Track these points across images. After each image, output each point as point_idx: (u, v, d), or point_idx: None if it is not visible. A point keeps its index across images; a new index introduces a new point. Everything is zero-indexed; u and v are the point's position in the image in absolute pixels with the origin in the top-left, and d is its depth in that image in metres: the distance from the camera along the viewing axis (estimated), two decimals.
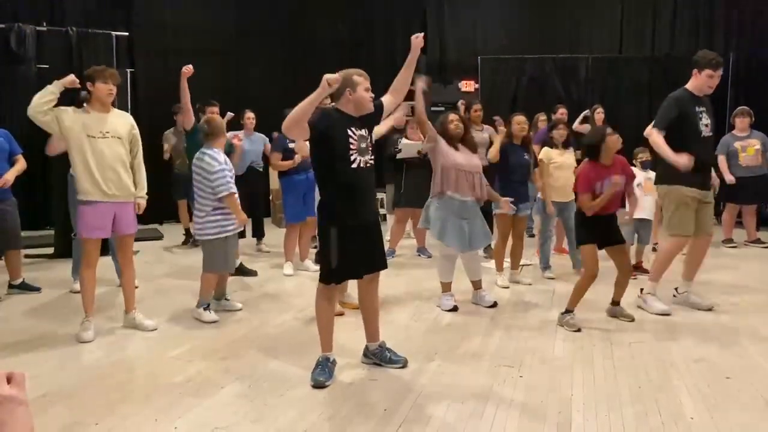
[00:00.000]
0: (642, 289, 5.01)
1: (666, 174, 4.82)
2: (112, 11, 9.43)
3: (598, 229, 4.46)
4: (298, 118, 3.32)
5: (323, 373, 3.53)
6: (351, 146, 3.48)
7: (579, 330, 4.37)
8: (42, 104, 4.06)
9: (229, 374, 3.62)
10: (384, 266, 3.75)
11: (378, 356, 3.79)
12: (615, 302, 4.71)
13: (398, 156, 6.76)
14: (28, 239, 7.44)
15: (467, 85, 11.42)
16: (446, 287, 5.05)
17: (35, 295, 5.43)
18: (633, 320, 4.61)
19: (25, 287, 5.50)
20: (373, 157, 3.63)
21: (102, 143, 4.20)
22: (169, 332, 4.44)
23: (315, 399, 3.28)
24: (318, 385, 3.44)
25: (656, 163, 5.06)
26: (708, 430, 2.92)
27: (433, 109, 11.04)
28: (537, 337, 4.28)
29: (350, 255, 3.50)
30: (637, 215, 5.84)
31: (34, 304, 5.17)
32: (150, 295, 5.40)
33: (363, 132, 3.58)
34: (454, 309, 4.92)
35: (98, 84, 4.19)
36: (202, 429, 2.93)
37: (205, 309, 4.71)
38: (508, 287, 5.63)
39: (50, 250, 6.94)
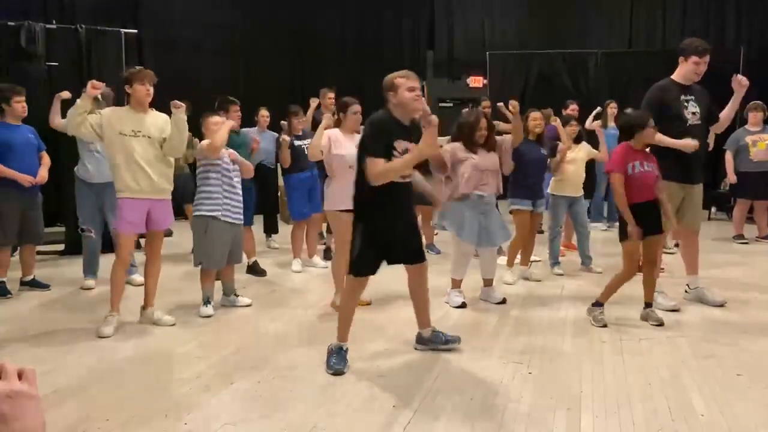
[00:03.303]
0: (687, 285, 4.98)
1: None
2: (120, 8, 9.47)
3: (640, 218, 4.32)
4: (389, 176, 3.44)
5: (341, 361, 3.60)
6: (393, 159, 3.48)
7: (605, 326, 4.32)
8: (76, 120, 4.21)
9: (238, 370, 3.63)
10: (420, 260, 3.81)
11: (433, 341, 3.92)
12: (647, 304, 4.52)
13: None
14: None
15: (475, 81, 11.39)
16: (457, 284, 5.04)
17: (46, 291, 5.47)
18: (662, 324, 4.40)
19: (35, 284, 5.54)
20: (411, 173, 3.65)
21: (133, 141, 4.29)
22: (179, 328, 4.46)
23: (324, 394, 3.28)
24: (337, 373, 3.52)
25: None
26: (718, 427, 2.90)
27: (441, 105, 11.04)
28: (546, 334, 4.27)
29: (373, 253, 3.59)
30: None
31: (44, 301, 5.21)
32: (159, 291, 5.41)
33: (409, 145, 3.52)
34: (463, 306, 4.91)
35: (136, 85, 4.31)
36: (212, 424, 2.95)
37: (204, 304, 4.75)
38: (513, 284, 5.62)
39: (61, 247, 6.99)
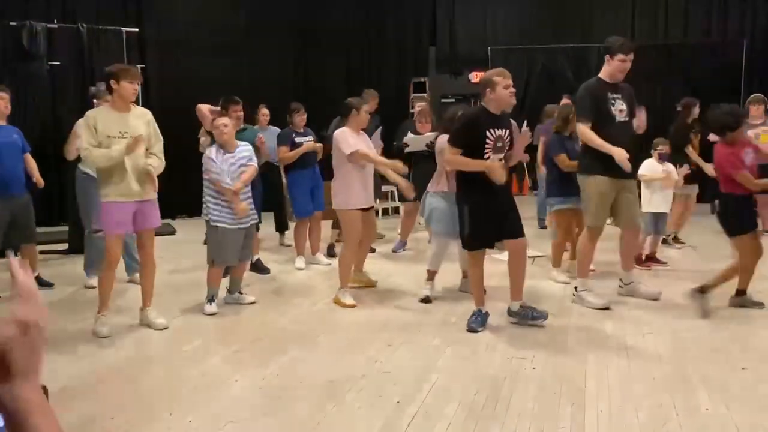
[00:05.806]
0: (576, 287, 4.88)
1: (584, 163, 4.78)
2: (122, 7, 9.46)
3: (751, 212, 4.54)
4: (455, 167, 4.19)
5: (477, 321, 4.20)
6: (487, 146, 4.04)
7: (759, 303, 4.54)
8: (102, 163, 4.15)
9: (242, 368, 3.64)
10: (519, 235, 4.19)
11: (521, 315, 4.28)
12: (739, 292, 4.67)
13: (406, 150, 6.72)
14: (43, 235, 7.51)
15: (478, 77, 11.34)
16: (430, 275, 5.03)
17: (49, 290, 5.47)
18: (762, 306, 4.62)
19: (39, 282, 5.52)
20: (505, 154, 4.16)
21: (123, 143, 4.13)
22: (183, 326, 4.47)
23: (328, 391, 3.29)
24: (471, 330, 4.13)
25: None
26: (723, 421, 2.90)
27: (443, 101, 11.01)
28: (550, 329, 4.26)
29: (481, 228, 4.13)
30: (656, 209, 5.80)
31: (48, 300, 5.20)
32: (163, 289, 5.42)
33: (501, 132, 4.10)
34: (426, 300, 4.88)
35: (123, 83, 4.11)
36: (216, 422, 2.96)
37: (209, 302, 4.75)
38: (568, 282, 5.35)
39: (65, 246, 7.00)
